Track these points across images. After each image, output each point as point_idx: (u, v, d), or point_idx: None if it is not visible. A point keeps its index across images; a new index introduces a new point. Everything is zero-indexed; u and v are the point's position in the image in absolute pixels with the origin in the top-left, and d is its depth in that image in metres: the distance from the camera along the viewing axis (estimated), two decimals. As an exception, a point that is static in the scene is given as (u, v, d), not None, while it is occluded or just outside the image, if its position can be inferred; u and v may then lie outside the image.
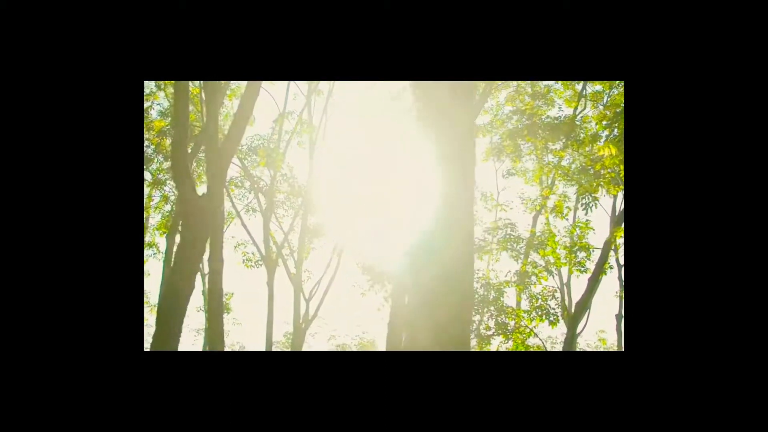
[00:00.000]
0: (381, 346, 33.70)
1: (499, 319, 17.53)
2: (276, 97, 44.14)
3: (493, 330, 17.74)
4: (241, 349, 32.00)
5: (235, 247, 24.17)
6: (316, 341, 32.16)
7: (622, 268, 23.22)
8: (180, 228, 12.37)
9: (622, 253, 22.32)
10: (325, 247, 24.77)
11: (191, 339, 31.20)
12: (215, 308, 13.33)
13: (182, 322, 11.19)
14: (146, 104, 22.39)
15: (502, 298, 17.89)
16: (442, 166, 6.39)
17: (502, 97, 21.17)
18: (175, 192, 23.74)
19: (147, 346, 11.40)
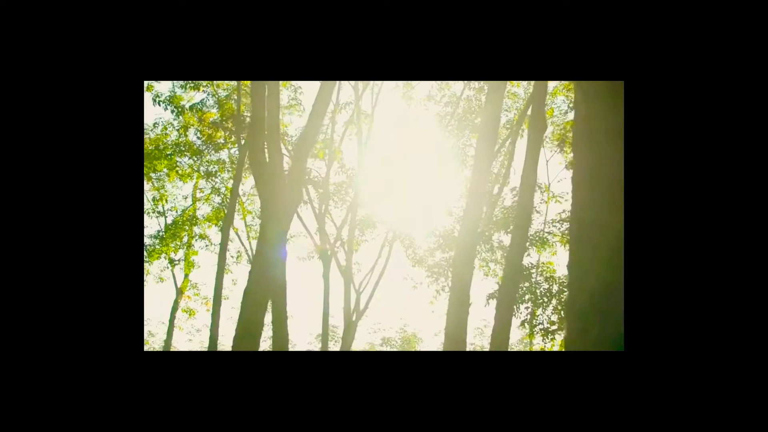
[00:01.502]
0: (425, 339, 33.58)
1: (563, 313, 17.25)
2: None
3: (557, 325, 17.49)
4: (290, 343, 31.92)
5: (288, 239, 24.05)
6: (364, 334, 32.12)
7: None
8: (260, 223, 12.25)
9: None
10: (375, 240, 24.62)
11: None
12: (281, 302, 13.22)
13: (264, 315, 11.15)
14: (198, 95, 22.29)
15: (564, 292, 17.61)
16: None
17: (551, 86, 20.80)
18: (225, 185, 23.73)
19: (228, 342, 11.31)
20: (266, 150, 11.85)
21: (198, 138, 22.80)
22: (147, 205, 24.43)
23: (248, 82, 20.90)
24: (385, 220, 24.03)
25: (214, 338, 19.93)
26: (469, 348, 15.47)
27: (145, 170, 23.40)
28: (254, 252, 11.02)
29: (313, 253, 23.74)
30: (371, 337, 33.17)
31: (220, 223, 24.07)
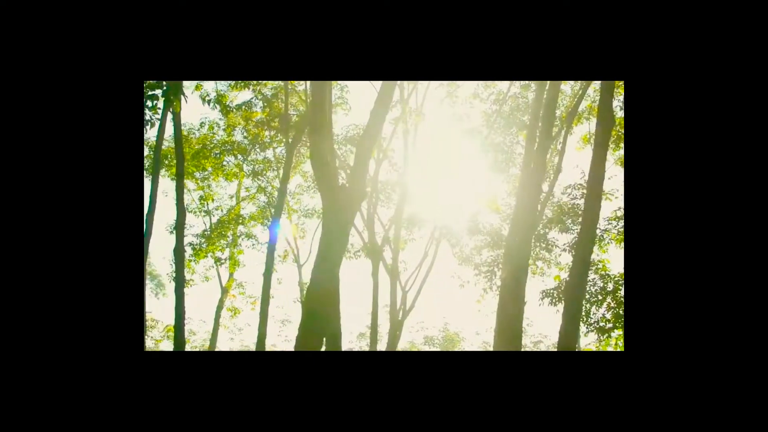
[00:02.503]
0: (468, 338, 33.35)
1: (619, 311, 16.96)
2: (377, 86, 43.89)
3: (611, 323, 17.19)
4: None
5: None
6: (406, 333, 32.01)
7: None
8: (322, 218, 12.21)
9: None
10: (422, 238, 24.47)
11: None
12: (336, 300, 13.15)
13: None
14: (242, 94, 22.28)
15: (620, 290, 17.31)
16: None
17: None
18: (272, 183, 23.72)
19: (290, 343, 11.29)
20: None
21: (244, 137, 22.83)
22: (193, 205, 24.54)
23: (295, 82, 20.87)
24: (432, 218, 23.86)
25: (262, 337, 19.92)
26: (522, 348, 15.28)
27: (192, 169, 23.49)
28: (318, 250, 10.92)
29: (359, 252, 23.65)
30: (414, 335, 33.10)
31: (266, 221, 24.10)
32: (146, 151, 23.95)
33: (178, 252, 16.97)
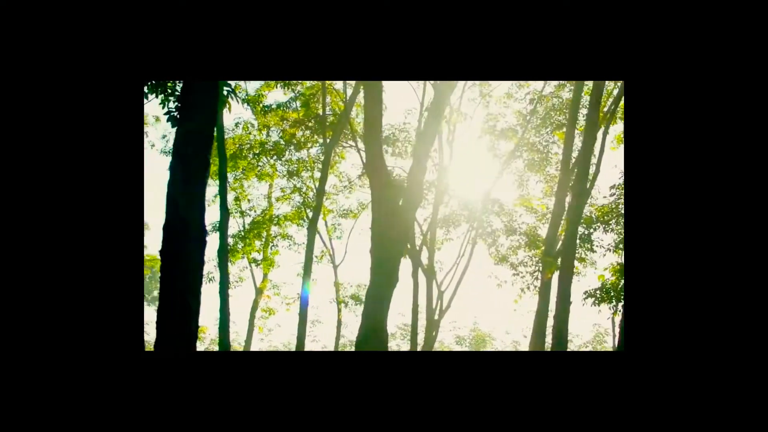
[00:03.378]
0: (500, 338, 33.26)
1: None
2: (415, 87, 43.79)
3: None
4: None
5: (372, 238, 23.93)
6: (443, 332, 31.93)
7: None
8: (372, 221, 12.20)
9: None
10: (458, 238, 24.39)
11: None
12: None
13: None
14: (272, 93, 22.24)
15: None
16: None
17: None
18: (306, 184, 23.74)
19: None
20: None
21: (280, 138, 22.85)
22: (230, 205, 24.59)
23: (331, 81, 20.83)
24: (468, 218, 23.77)
25: (301, 338, 19.92)
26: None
27: (228, 170, 23.56)
28: (375, 251, 10.91)
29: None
30: (445, 335, 33.06)
31: (301, 222, 24.12)
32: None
33: (222, 253, 17.00)
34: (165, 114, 12.64)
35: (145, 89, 12.49)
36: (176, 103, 13.05)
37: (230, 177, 24.53)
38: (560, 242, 19.26)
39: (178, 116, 12.90)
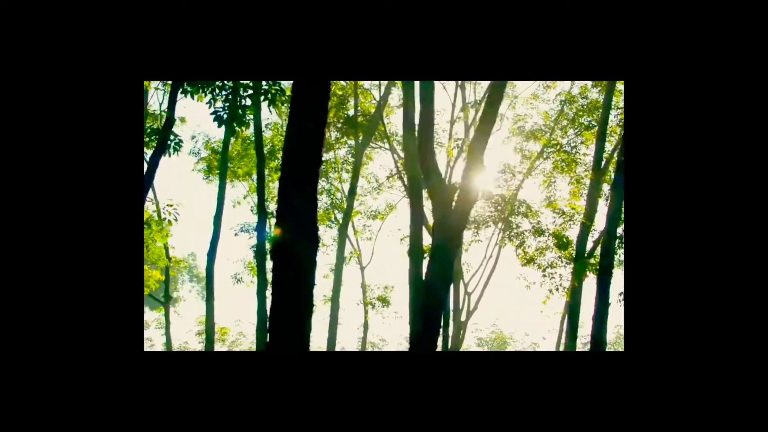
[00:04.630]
0: (524, 339, 33.24)
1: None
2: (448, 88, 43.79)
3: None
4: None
5: (401, 240, 24.03)
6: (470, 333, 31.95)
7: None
8: (433, 224, 12.21)
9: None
10: (486, 239, 24.40)
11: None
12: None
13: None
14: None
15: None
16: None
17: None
18: (333, 184, 23.77)
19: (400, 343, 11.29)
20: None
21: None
22: (250, 205, 24.67)
23: (363, 82, 20.83)
24: (495, 219, 23.77)
25: (332, 339, 19.97)
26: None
27: (252, 171, 23.60)
28: (431, 253, 10.90)
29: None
30: (468, 336, 33.04)
31: (329, 223, 24.17)
32: (204, 153, 24.03)
33: (260, 253, 17.04)
34: (211, 114, 12.72)
35: (189, 88, 12.55)
36: (225, 102, 13.09)
37: (256, 177, 24.60)
38: (591, 243, 19.27)
39: (224, 116, 12.94)
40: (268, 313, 6.25)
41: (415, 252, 13.50)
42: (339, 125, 22.00)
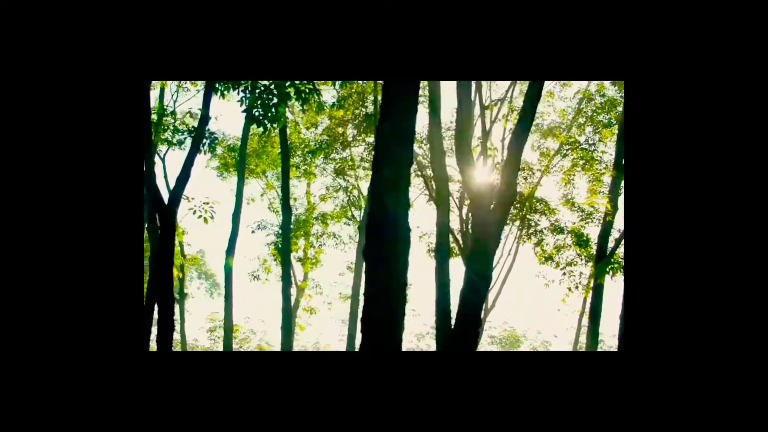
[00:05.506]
0: (539, 338, 33.22)
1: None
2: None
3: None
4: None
5: (420, 237, 23.94)
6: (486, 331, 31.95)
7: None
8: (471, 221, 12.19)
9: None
10: (504, 237, 24.28)
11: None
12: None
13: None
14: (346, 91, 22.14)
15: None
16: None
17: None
18: (351, 183, 23.70)
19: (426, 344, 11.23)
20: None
21: (327, 136, 22.84)
22: (276, 204, 24.60)
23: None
24: (512, 216, 23.69)
25: (352, 337, 19.97)
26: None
27: (273, 168, 23.56)
28: (471, 251, 10.85)
29: (456, 251, 23.55)
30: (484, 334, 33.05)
31: (345, 221, 24.12)
32: (219, 150, 23.97)
33: (285, 251, 16.98)
34: (243, 111, 12.66)
35: (221, 88, 12.48)
36: (258, 101, 13.00)
37: (271, 175, 24.54)
38: (613, 241, 19.21)
39: (259, 114, 12.85)
40: (360, 313, 6.22)
41: (441, 252, 13.43)
42: (356, 122, 21.92)
